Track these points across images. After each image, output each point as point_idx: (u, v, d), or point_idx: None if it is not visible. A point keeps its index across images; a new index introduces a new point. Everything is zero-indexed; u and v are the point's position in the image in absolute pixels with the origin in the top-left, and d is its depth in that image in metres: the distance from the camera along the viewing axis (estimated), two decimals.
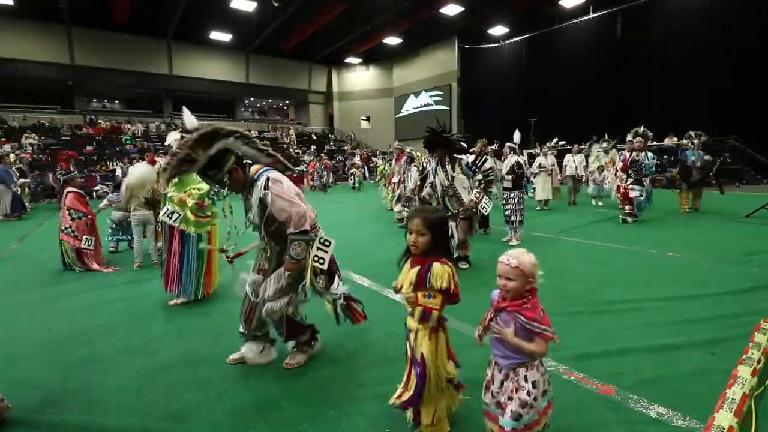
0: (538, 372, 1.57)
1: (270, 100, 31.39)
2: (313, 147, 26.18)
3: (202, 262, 3.71)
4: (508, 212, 5.76)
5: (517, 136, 6.12)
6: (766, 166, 9.77)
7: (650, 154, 6.86)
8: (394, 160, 9.12)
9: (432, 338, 1.77)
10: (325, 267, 2.33)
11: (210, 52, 24.07)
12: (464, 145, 4.70)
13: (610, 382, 2.23)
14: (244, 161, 2.31)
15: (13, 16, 17.93)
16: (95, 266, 4.96)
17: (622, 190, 6.98)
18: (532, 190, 9.82)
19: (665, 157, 13.07)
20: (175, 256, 3.63)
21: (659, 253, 5.01)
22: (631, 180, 6.84)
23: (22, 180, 10.97)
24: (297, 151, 25.15)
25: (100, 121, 21.82)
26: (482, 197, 4.47)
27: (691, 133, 8.42)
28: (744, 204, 7.92)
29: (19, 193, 10.39)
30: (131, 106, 26.98)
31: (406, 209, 7.41)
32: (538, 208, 9.02)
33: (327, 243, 2.34)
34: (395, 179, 8.54)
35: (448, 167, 4.50)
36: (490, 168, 4.76)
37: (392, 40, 23.50)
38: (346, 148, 26.73)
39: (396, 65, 27.78)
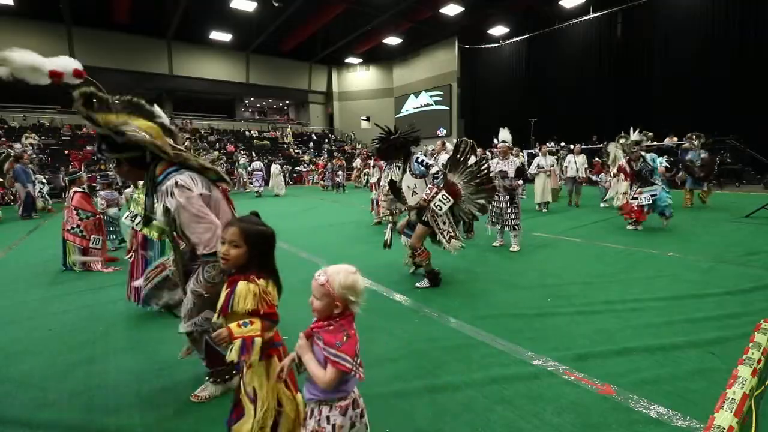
0: (342, 414, 1.33)
1: (270, 100, 31.39)
2: (311, 145, 26.27)
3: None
4: (508, 216, 5.38)
5: (506, 135, 5.63)
6: (766, 166, 9.77)
7: (650, 156, 6.52)
8: (373, 160, 8.79)
9: (262, 368, 1.52)
10: None
11: (210, 52, 24.08)
12: (416, 135, 4.04)
13: (610, 382, 2.22)
14: (148, 158, 1.94)
15: (13, 16, 17.93)
16: (96, 267, 4.97)
17: (627, 206, 6.48)
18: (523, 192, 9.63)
19: (665, 156, 13.06)
20: (141, 261, 3.40)
21: (659, 253, 5.01)
22: (638, 186, 6.39)
23: (40, 177, 10.97)
24: (297, 151, 25.17)
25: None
26: (435, 194, 3.75)
27: (692, 134, 8.84)
28: (744, 204, 7.93)
29: (37, 192, 10.41)
30: None
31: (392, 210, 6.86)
32: (537, 209, 8.94)
33: None
34: (373, 179, 8.24)
35: (398, 167, 4.08)
36: (480, 159, 4.19)
37: (392, 40, 23.52)
38: (346, 148, 26.74)
39: (396, 65, 27.79)
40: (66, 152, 17.79)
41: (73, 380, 2.43)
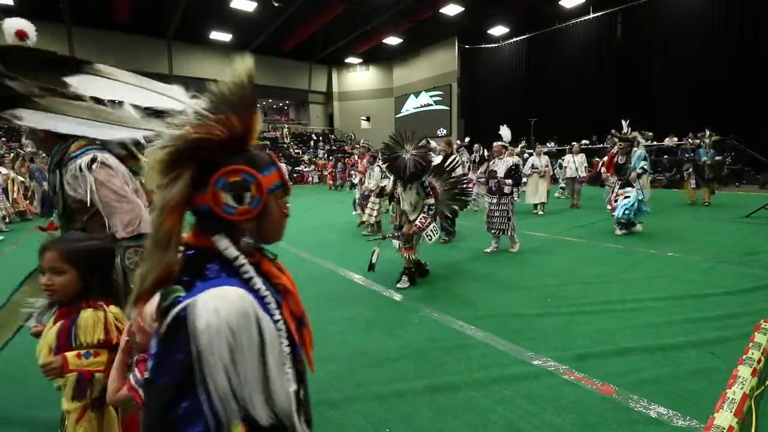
0: None
1: (270, 100, 31.39)
2: (311, 144, 26.27)
3: None
4: (496, 219, 5.25)
5: (506, 132, 5.47)
6: (765, 166, 9.79)
7: (638, 154, 6.16)
8: (357, 160, 8.57)
9: (95, 422, 1.25)
10: None
11: (210, 52, 24.07)
12: (431, 156, 4.01)
13: (610, 382, 2.23)
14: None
15: (13, 16, 17.92)
16: None
17: (612, 203, 6.27)
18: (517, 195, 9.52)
19: (665, 156, 13.08)
20: None
21: (659, 253, 5.01)
22: (620, 187, 6.18)
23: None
24: (297, 151, 25.19)
25: None
26: (429, 224, 3.85)
27: (706, 133, 9.13)
28: (744, 204, 7.93)
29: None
30: None
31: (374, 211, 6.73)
32: (534, 211, 8.70)
33: None
34: (356, 180, 8.04)
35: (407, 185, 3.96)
36: (463, 175, 4.24)
37: (392, 40, 23.50)
38: (346, 148, 26.76)
39: (396, 65, 27.77)
40: None
41: None
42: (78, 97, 0.91)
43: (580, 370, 2.37)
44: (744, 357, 2.22)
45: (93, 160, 1.61)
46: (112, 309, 1.30)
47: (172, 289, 0.65)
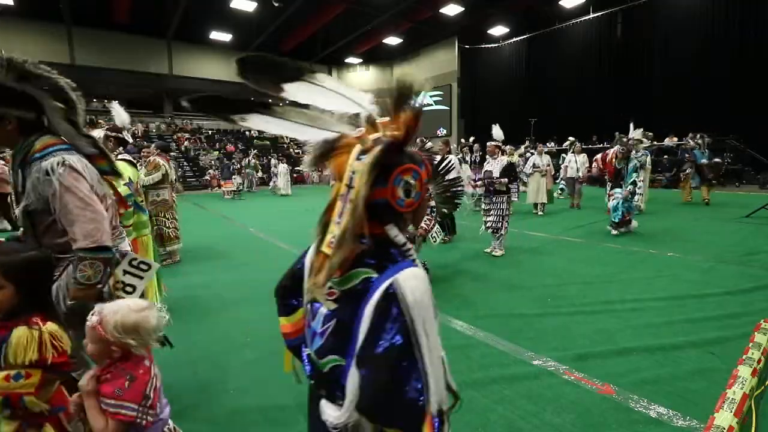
0: None
1: (270, 100, 31.39)
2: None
3: None
4: (492, 219, 5.18)
5: (498, 132, 5.45)
6: (765, 166, 9.82)
7: (633, 162, 6.15)
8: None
9: None
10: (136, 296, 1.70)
11: (210, 52, 24.09)
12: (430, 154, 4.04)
13: (610, 382, 2.23)
14: (44, 127, 1.62)
15: (13, 16, 17.94)
16: None
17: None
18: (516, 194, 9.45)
19: (665, 156, 13.07)
20: None
21: (659, 253, 5.01)
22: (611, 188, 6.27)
23: None
24: (297, 151, 25.17)
25: (100, 120, 21.83)
26: (433, 226, 3.90)
27: (697, 135, 9.19)
28: (744, 204, 7.93)
29: None
30: (131, 106, 26.88)
31: None
32: (534, 211, 8.73)
33: (144, 266, 1.73)
34: None
35: None
36: (456, 178, 4.21)
37: (392, 40, 23.50)
38: None
39: (396, 65, 27.75)
40: None
41: None
42: (293, 103, 0.96)
43: (580, 370, 2.37)
44: (744, 357, 2.22)
45: (60, 162, 1.52)
46: (49, 326, 1.20)
47: (359, 272, 0.79)
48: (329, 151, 0.85)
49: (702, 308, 3.23)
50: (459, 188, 4.23)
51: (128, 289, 1.70)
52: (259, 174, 18.40)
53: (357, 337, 0.75)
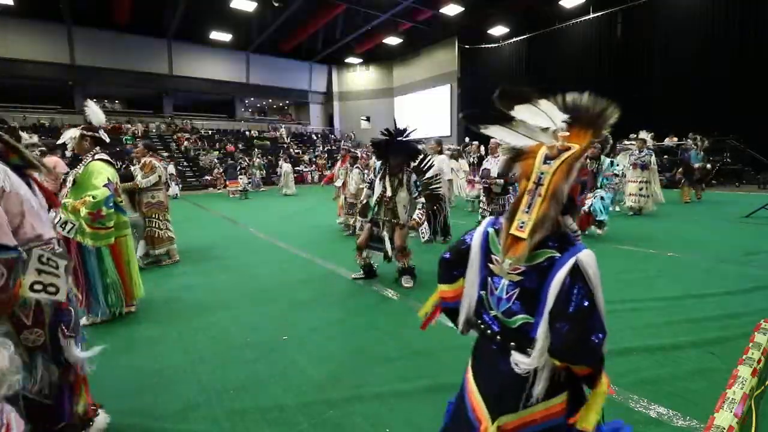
0: None
1: (270, 100, 31.40)
2: (312, 143, 26.27)
3: (106, 278, 3.21)
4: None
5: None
6: (764, 166, 9.82)
7: (608, 161, 5.90)
8: (339, 162, 8.37)
9: None
10: (60, 298, 1.56)
11: (210, 52, 24.08)
12: (420, 148, 4.17)
13: (610, 382, 2.22)
14: None
15: (13, 16, 17.94)
16: None
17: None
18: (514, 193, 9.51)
19: (666, 156, 13.07)
20: (79, 271, 3.11)
21: (659, 253, 5.01)
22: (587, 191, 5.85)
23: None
24: (297, 151, 25.17)
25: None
26: (424, 220, 3.94)
27: (696, 136, 9.50)
28: (744, 204, 7.93)
29: None
30: (131, 106, 26.97)
31: (350, 215, 6.77)
32: None
33: (53, 263, 1.55)
34: (338, 183, 7.84)
35: (396, 179, 3.97)
36: (435, 176, 4.24)
37: (392, 40, 23.50)
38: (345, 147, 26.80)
39: (396, 65, 27.78)
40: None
41: None
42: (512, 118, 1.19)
43: None
44: (744, 357, 2.22)
45: None
46: None
47: (544, 251, 1.01)
48: (518, 155, 1.08)
49: (702, 308, 3.22)
50: (437, 185, 4.27)
51: (50, 289, 1.54)
52: (263, 174, 18.45)
53: (545, 301, 0.98)
